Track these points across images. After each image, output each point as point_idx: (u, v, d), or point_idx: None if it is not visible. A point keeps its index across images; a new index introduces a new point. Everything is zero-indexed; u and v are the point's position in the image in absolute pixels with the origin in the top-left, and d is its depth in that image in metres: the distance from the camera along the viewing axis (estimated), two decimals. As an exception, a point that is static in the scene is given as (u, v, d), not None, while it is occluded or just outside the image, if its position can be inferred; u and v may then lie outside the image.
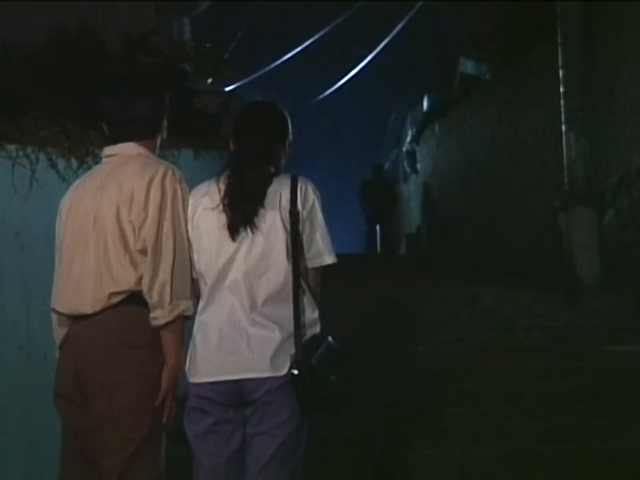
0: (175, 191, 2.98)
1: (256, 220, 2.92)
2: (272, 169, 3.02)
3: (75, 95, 6.28)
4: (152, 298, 2.91)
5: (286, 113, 3.20)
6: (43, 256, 4.70)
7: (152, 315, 2.91)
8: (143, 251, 2.94)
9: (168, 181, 2.98)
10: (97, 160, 5.04)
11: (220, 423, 2.92)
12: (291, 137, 3.17)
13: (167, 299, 2.90)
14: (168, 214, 2.96)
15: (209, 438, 2.93)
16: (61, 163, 5.11)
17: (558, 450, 5.06)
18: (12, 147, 4.70)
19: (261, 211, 2.93)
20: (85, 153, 5.25)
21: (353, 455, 5.11)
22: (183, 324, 2.96)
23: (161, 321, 2.91)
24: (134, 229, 2.96)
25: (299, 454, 2.96)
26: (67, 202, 3.19)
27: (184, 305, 2.94)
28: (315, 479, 4.17)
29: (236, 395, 2.88)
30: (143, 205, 2.94)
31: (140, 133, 3.14)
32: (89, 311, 2.97)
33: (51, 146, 5.04)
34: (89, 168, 5.09)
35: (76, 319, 3.03)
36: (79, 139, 5.29)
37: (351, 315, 7.85)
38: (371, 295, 8.91)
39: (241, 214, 2.93)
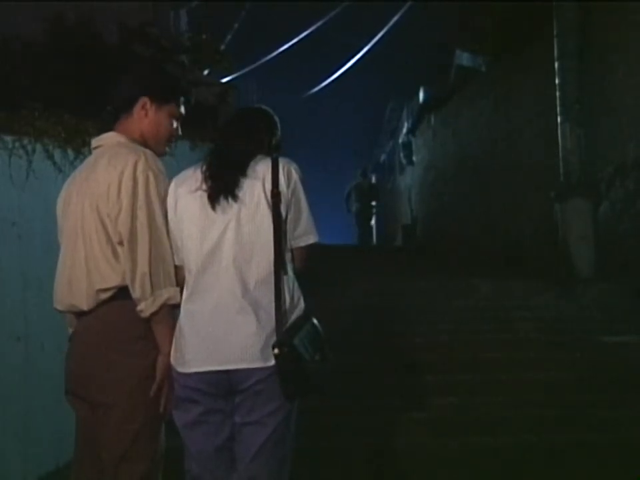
0: (146, 179, 2.92)
1: (237, 190, 2.86)
2: (254, 148, 2.99)
3: (71, 86, 6.27)
4: (135, 291, 2.88)
5: (269, 111, 3.17)
6: (39, 246, 4.71)
7: (138, 307, 2.89)
8: (122, 243, 2.91)
9: (140, 169, 2.92)
10: (93, 151, 5.07)
11: (209, 413, 2.89)
12: (277, 132, 3.14)
13: (147, 290, 2.87)
14: (141, 203, 2.90)
15: (198, 427, 2.90)
16: (58, 154, 5.11)
17: (554, 440, 5.07)
18: (8, 138, 4.70)
19: (243, 186, 2.87)
20: (81, 144, 5.24)
21: (349, 444, 5.12)
22: (172, 312, 2.93)
23: (147, 313, 2.88)
24: (111, 221, 2.92)
25: (289, 441, 2.93)
26: (61, 198, 3.17)
27: (167, 294, 2.90)
28: (311, 468, 4.19)
29: (225, 385, 2.84)
30: (116, 196, 2.90)
31: (115, 112, 3.13)
32: (85, 307, 2.97)
33: (47, 137, 5.04)
34: (86, 159, 5.09)
35: (79, 315, 3.03)
36: (76, 130, 5.29)
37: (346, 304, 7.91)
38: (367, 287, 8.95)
39: (221, 183, 2.88)
